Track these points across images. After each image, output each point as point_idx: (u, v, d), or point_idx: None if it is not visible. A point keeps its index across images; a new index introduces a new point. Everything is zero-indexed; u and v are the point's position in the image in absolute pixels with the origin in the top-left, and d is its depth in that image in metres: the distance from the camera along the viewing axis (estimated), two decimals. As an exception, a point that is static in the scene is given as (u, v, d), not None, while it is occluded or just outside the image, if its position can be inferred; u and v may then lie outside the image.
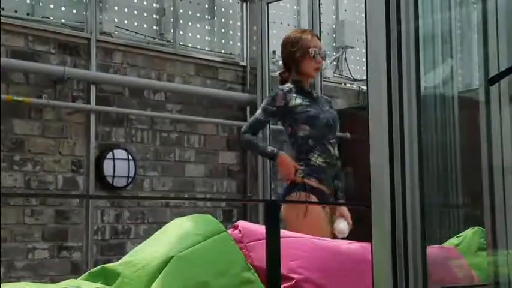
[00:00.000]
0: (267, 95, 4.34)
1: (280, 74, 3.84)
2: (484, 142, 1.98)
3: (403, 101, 1.94)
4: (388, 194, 1.92)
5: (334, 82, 6.82)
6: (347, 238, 3.36)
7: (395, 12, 1.89)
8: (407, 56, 1.93)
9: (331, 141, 3.64)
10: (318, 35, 6.19)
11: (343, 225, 3.53)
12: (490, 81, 1.85)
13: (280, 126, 4.24)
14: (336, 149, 3.66)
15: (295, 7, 6.78)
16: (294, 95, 3.65)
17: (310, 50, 3.67)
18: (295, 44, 3.70)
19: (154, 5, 5.77)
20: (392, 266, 1.89)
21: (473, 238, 2.79)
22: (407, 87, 1.94)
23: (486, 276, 2.20)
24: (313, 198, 3.52)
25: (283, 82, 3.76)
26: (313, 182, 3.54)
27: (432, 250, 2.18)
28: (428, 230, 1.97)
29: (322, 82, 5.99)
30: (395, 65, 1.93)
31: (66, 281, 2.13)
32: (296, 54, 3.68)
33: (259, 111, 3.69)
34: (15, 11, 4.90)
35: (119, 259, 2.25)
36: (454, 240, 2.85)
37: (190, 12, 5.99)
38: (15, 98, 4.69)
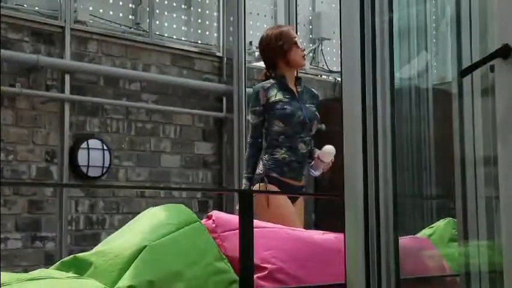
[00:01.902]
0: (249, 95, 4.33)
1: (264, 73, 3.85)
2: (457, 134, 2.00)
3: (377, 93, 1.95)
4: (361, 185, 1.94)
5: (310, 74, 6.83)
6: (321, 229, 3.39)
7: (369, 5, 1.89)
8: (381, 48, 1.95)
9: (305, 138, 3.66)
10: (294, 26, 6.23)
11: (328, 147, 3.63)
12: (462, 73, 1.86)
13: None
14: (308, 146, 3.69)
15: (271, -2, 6.78)
16: (275, 91, 3.68)
17: (296, 39, 3.75)
18: (278, 37, 3.73)
19: (130, -6, 5.73)
20: (365, 256, 1.91)
21: (446, 229, 2.82)
22: (381, 79, 1.96)
23: (457, 266, 2.22)
24: (274, 187, 3.59)
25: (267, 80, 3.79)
26: (274, 174, 3.61)
27: (404, 241, 2.20)
28: (401, 221, 1.99)
29: (299, 74, 5.99)
30: (370, 57, 1.94)
31: (37, 270, 2.12)
32: (284, 46, 3.71)
33: (250, 116, 3.77)
34: (-12, -2, 4.84)
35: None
36: (426, 231, 2.87)
37: (166, 2, 5.95)
38: (-13, 86, 4.64)
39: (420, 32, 2.49)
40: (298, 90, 3.75)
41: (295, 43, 3.72)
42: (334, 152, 3.60)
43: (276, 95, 3.66)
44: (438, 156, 2.53)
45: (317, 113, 3.77)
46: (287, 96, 3.68)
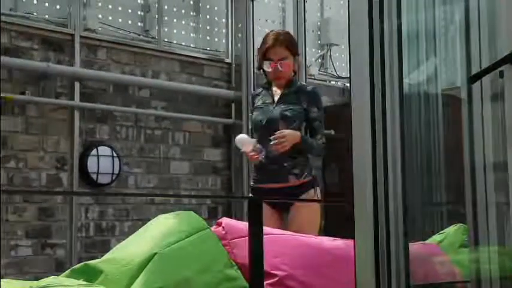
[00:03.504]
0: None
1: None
2: (466, 140, 1.99)
3: (386, 99, 1.95)
4: (370, 192, 1.93)
5: (319, 79, 6.83)
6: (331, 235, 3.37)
7: (378, 11, 1.89)
8: (390, 54, 1.94)
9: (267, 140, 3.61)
10: (303, 32, 6.23)
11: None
12: (471, 79, 1.86)
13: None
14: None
15: (280, 4, 6.78)
16: (259, 97, 3.77)
17: (266, 49, 3.69)
18: (260, 46, 3.81)
19: (139, 1, 5.75)
20: (375, 262, 1.90)
21: (456, 235, 2.81)
22: (390, 85, 1.95)
23: (468, 272, 2.21)
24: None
25: None
26: (252, 183, 3.74)
27: (414, 247, 2.19)
28: (411, 227, 1.99)
29: (307, 80, 6.01)
30: (378, 63, 1.94)
31: (48, 277, 2.12)
32: (259, 57, 3.78)
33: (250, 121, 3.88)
34: (-2, 7, 4.86)
35: (103, 256, 2.25)
36: (436, 237, 2.86)
37: (175, 9, 5.97)
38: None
39: (429, 37, 2.48)
40: (285, 92, 3.70)
41: (264, 55, 3.68)
42: (239, 139, 3.67)
43: (257, 102, 3.76)
44: (448, 161, 2.52)
45: (289, 114, 3.62)
46: (266, 102, 3.72)
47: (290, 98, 3.68)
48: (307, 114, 3.65)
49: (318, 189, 3.69)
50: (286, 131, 3.54)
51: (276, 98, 3.70)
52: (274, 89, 3.73)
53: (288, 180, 3.60)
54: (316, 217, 3.62)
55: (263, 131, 3.64)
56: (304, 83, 3.81)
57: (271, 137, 3.53)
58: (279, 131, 3.54)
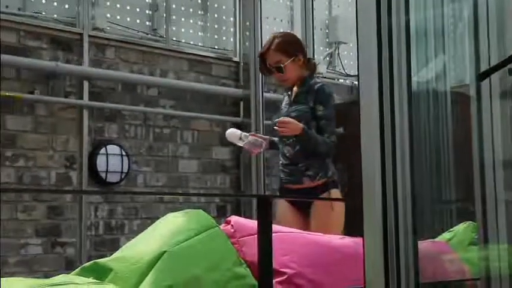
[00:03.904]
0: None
1: None
2: (475, 137, 1.99)
3: (394, 96, 1.94)
4: (379, 189, 1.92)
5: (327, 77, 6.82)
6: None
7: (386, 8, 1.89)
8: (398, 51, 1.94)
9: (287, 141, 3.63)
10: (311, 30, 6.23)
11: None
12: (480, 76, 1.85)
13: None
14: (294, 148, 3.62)
15: (288, 3, 6.78)
16: (284, 98, 3.82)
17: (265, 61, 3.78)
18: None
19: (147, 0, 5.75)
20: (384, 260, 1.90)
21: (465, 233, 2.80)
22: (398, 82, 1.95)
23: (478, 270, 2.21)
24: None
25: None
26: (279, 183, 3.77)
27: (424, 245, 2.19)
28: (420, 225, 1.98)
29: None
30: (387, 60, 1.94)
31: (58, 276, 2.13)
32: None
33: None
34: (7, 6, 4.88)
35: (112, 254, 2.26)
36: (446, 235, 2.85)
37: (183, 8, 5.98)
38: (7, 93, 4.68)
39: (437, 34, 2.48)
40: (298, 92, 3.69)
41: (260, 59, 3.76)
42: (230, 132, 3.75)
43: (282, 103, 3.82)
44: (457, 159, 2.52)
45: (294, 114, 3.61)
46: (286, 103, 3.76)
47: (301, 97, 3.68)
48: (314, 113, 3.61)
49: (336, 191, 3.61)
50: (290, 119, 3.55)
51: (292, 99, 3.72)
52: (294, 89, 3.74)
53: (303, 182, 3.60)
54: (336, 219, 3.54)
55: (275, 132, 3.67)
56: (317, 81, 3.75)
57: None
58: (282, 118, 3.58)
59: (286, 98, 3.80)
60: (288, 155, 3.62)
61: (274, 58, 3.64)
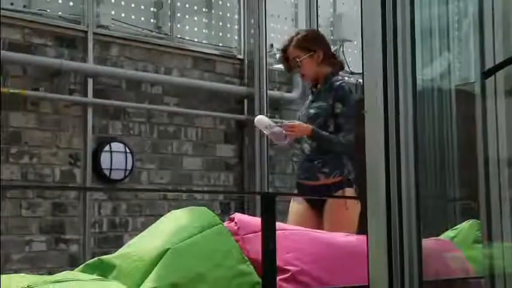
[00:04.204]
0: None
1: None
2: (480, 135, 1.98)
3: (399, 93, 1.94)
4: (383, 187, 1.92)
5: (331, 75, 6.81)
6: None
7: (391, 6, 1.89)
8: (403, 49, 1.93)
9: (305, 138, 3.64)
10: (316, 28, 6.22)
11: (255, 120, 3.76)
12: (485, 74, 1.85)
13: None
14: (310, 145, 3.63)
15: (292, 0, 6.77)
16: (309, 95, 3.87)
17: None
18: None
19: (152, -2, 5.76)
20: (388, 258, 1.90)
21: (469, 231, 2.80)
22: (403, 80, 1.95)
23: (481, 268, 2.21)
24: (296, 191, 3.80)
25: None
26: (296, 178, 3.79)
27: (428, 243, 2.18)
28: (424, 223, 1.98)
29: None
30: (391, 58, 1.93)
31: (62, 272, 2.14)
32: None
33: None
34: (12, 4, 4.89)
35: (116, 252, 2.26)
36: (450, 233, 2.85)
37: (187, 5, 5.98)
38: (11, 90, 4.69)
39: (442, 32, 2.47)
40: (320, 90, 3.71)
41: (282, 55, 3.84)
42: (259, 119, 3.71)
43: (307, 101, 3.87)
44: (461, 157, 2.51)
45: (313, 111, 3.64)
46: (309, 99, 3.79)
47: (321, 95, 3.69)
48: (333, 111, 3.60)
49: (350, 190, 3.57)
50: (297, 123, 3.60)
51: (315, 96, 3.75)
52: (318, 86, 3.75)
53: (319, 178, 3.59)
54: (349, 218, 3.47)
55: None
56: (339, 78, 3.70)
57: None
58: (289, 123, 3.60)
59: (310, 95, 3.84)
60: (306, 151, 3.64)
61: (292, 54, 3.71)
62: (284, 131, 3.55)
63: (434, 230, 2.61)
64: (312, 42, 3.73)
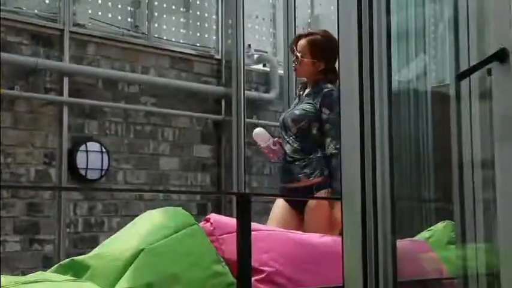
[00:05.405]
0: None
1: None
2: (454, 137, 2.00)
3: (375, 96, 1.95)
4: (358, 188, 1.93)
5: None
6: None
7: (367, 8, 1.89)
8: (379, 51, 1.94)
9: (288, 139, 3.60)
10: (293, 28, 6.23)
11: (254, 131, 3.77)
12: (459, 76, 1.87)
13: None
14: (293, 146, 3.59)
15: (270, 1, 6.78)
16: (296, 97, 3.87)
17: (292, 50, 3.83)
18: None
19: (129, -4, 5.73)
20: (363, 258, 1.91)
21: (444, 232, 2.82)
22: (378, 82, 1.95)
23: (455, 269, 2.22)
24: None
25: None
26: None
27: (402, 243, 2.20)
28: (399, 224, 1.99)
29: (297, 77, 6.00)
30: (367, 60, 1.94)
31: (35, 273, 2.12)
32: None
33: None
34: (-13, 1, 4.83)
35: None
36: (425, 234, 2.87)
37: (165, 5, 5.95)
38: (-14, 89, 4.64)
39: (418, 34, 2.49)
40: (307, 93, 3.68)
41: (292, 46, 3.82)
42: (259, 133, 3.72)
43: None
44: (436, 159, 2.53)
45: (297, 112, 3.59)
46: (296, 101, 3.79)
47: (309, 97, 3.64)
48: (319, 115, 3.56)
49: (331, 191, 3.49)
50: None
51: (302, 98, 3.73)
52: (307, 89, 3.73)
53: (300, 179, 3.54)
54: (331, 219, 3.41)
55: (284, 130, 3.65)
56: (328, 86, 3.61)
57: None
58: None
59: (297, 98, 3.83)
60: (288, 152, 3.62)
61: (300, 46, 3.70)
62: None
63: (409, 231, 2.62)
64: (319, 50, 3.66)
